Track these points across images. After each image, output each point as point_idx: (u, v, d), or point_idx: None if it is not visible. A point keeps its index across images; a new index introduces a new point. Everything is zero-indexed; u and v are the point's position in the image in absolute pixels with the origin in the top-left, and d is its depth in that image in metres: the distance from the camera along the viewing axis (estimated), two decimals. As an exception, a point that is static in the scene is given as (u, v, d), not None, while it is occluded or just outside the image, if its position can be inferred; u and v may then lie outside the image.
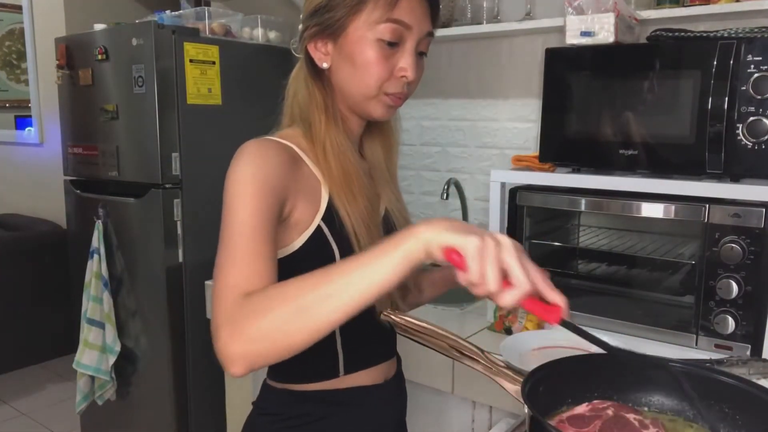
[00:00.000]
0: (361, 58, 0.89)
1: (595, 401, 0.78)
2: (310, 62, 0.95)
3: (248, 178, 0.83)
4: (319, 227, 0.90)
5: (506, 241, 0.66)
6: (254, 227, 0.80)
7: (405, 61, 0.90)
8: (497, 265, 0.64)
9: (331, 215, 0.91)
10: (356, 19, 0.88)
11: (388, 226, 1.02)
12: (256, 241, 0.79)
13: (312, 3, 0.92)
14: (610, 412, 0.75)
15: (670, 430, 0.76)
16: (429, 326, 0.89)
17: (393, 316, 0.92)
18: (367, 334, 1.00)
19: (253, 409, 1.04)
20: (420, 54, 0.94)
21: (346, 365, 0.98)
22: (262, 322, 0.69)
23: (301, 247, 0.90)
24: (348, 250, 0.91)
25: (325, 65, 0.94)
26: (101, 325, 2.26)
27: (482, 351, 0.87)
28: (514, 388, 0.82)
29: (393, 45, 0.89)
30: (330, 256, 0.91)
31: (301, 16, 0.95)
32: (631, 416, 0.74)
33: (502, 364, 0.86)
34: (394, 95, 0.92)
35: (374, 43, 0.88)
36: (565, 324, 0.68)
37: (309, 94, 0.96)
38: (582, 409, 0.77)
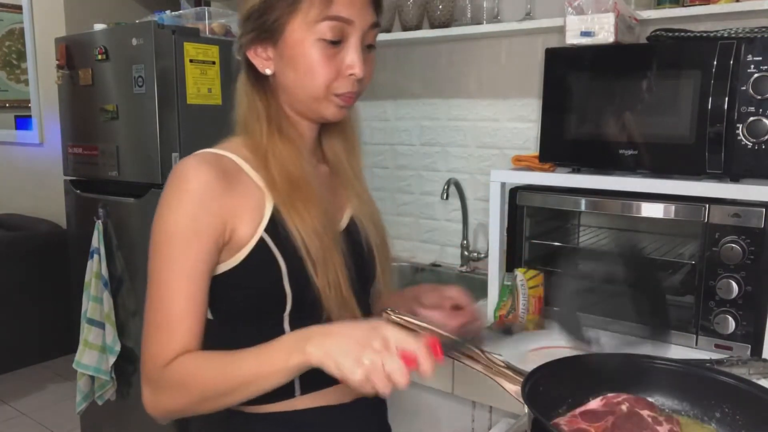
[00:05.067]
0: (304, 61, 0.84)
1: (609, 395, 0.77)
2: (251, 69, 0.90)
3: (173, 226, 0.82)
4: (261, 239, 0.85)
5: (390, 356, 0.71)
6: (181, 284, 0.81)
7: (351, 58, 0.85)
8: (384, 380, 0.70)
9: (275, 226, 0.86)
10: (293, 20, 0.83)
11: (353, 236, 0.96)
12: (182, 300, 0.82)
13: (245, 7, 0.86)
14: (624, 407, 0.74)
15: (685, 427, 0.76)
16: (429, 326, 0.89)
17: (393, 316, 0.91)
18: None
19: None
20: (368, 47, 0.88)
21: (303, 384, 0.90)
22: (174, 400, 0.81)
23: (242, 261, 0.85)
24: (297, 264, 0.85)
25: (268, 71, 0.88)
26: (101, 325, 2.26)
27: (482, 351, 0.87)
28: (514, 388, 0.82)
29: (336, 43, 0.84)
30: (276, 270, 0.85)
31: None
32: (645, 412, 0.73)
33: (502, 364, 0.86)
34: (344, 95, 0.87)
35: (315, 44, 0.83)
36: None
37: (249, 103, 0.91)
38: (595, 404, 0.76)
